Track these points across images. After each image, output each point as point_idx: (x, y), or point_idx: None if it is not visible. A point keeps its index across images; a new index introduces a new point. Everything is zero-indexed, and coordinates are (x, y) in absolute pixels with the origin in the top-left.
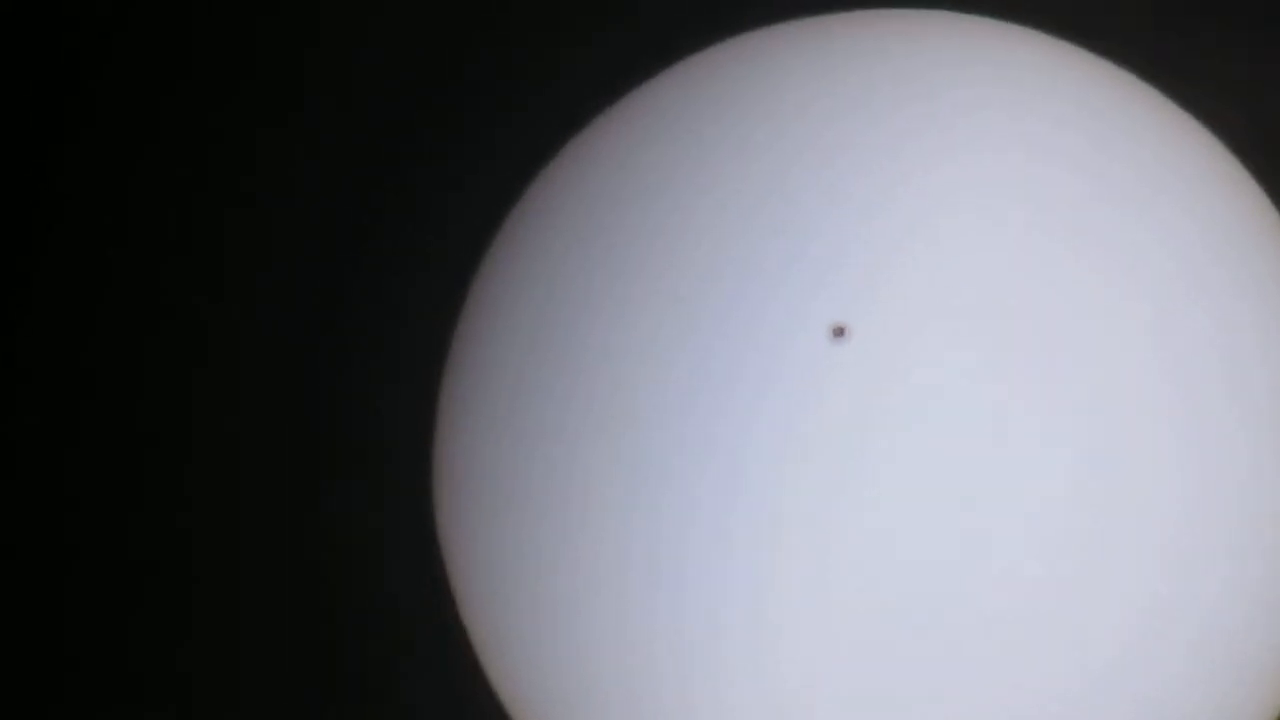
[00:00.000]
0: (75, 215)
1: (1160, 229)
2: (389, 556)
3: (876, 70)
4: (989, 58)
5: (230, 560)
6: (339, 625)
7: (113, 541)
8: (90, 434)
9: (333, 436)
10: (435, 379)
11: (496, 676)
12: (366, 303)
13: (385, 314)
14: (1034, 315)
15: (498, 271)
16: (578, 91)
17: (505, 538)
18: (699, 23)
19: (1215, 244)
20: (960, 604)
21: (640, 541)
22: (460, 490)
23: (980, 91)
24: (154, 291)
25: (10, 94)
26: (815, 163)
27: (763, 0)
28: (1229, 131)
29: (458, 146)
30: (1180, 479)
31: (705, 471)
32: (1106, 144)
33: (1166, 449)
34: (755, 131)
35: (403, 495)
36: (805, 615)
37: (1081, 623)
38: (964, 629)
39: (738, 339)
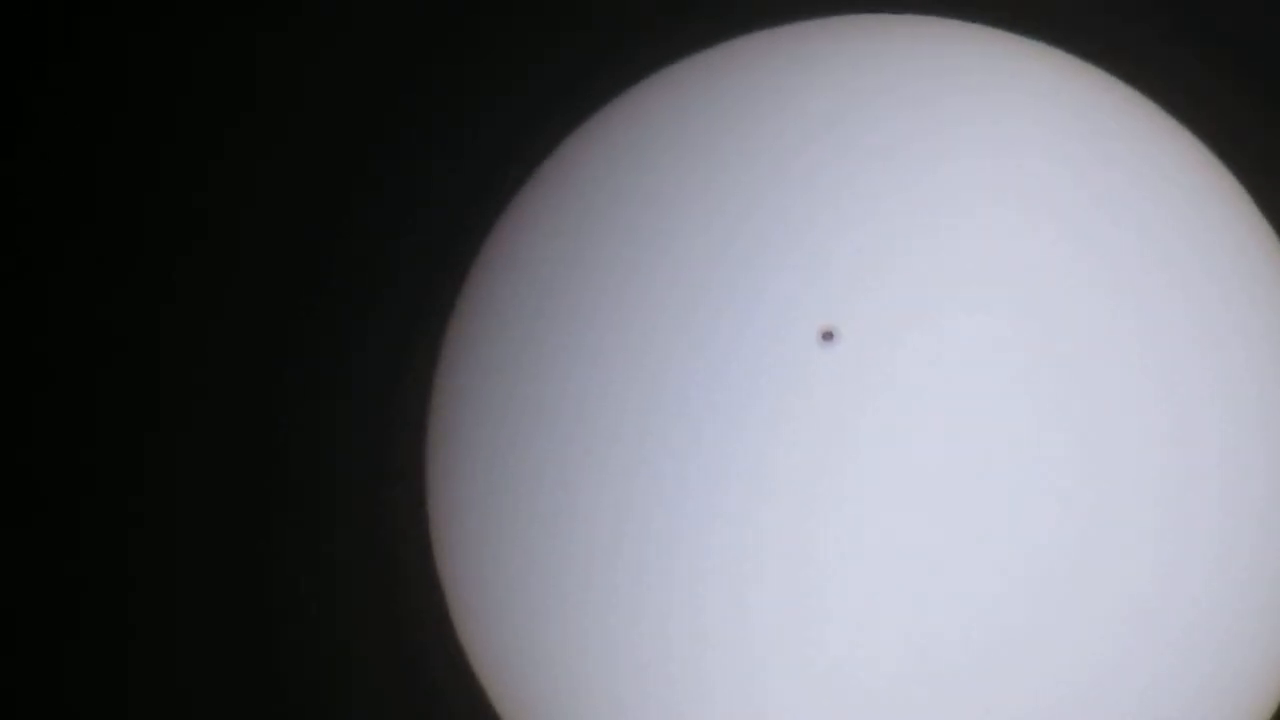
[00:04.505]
0: (99, 207)
1: (1151, 236)
2: (383, 560)
3: (869, 75)
4: (981, 64)
5: (221, 561)
6: (331, 629)
7: (108, 548)
8: (105, 425)
9: (326, 435)
10: (427, 379)
11: (489, 680)
12: (361, 303)
13: (380, 314)
14: (1025, 320)
15: (491, 271)
16: (571, 91)
17: (496, 540)
18: (694, 25)
19: (1205, 250)
20: (947, 605)
21: (628, 543)
22: (452, 491)
23: (973, 97)
24: (150, 291)
25: None
26: (808, 166)
27: (758, 4)
28: (1219, 140)
29: (455, 145)
30: (1169, 483)
31: (695, 473)
32: (1098, 152)
33: (1155, 452)
34: (748, 135)
35: (398, 493)
36: (791, 618)
37: (1072, 624)
38: (953, 630)
39: (727, 342)
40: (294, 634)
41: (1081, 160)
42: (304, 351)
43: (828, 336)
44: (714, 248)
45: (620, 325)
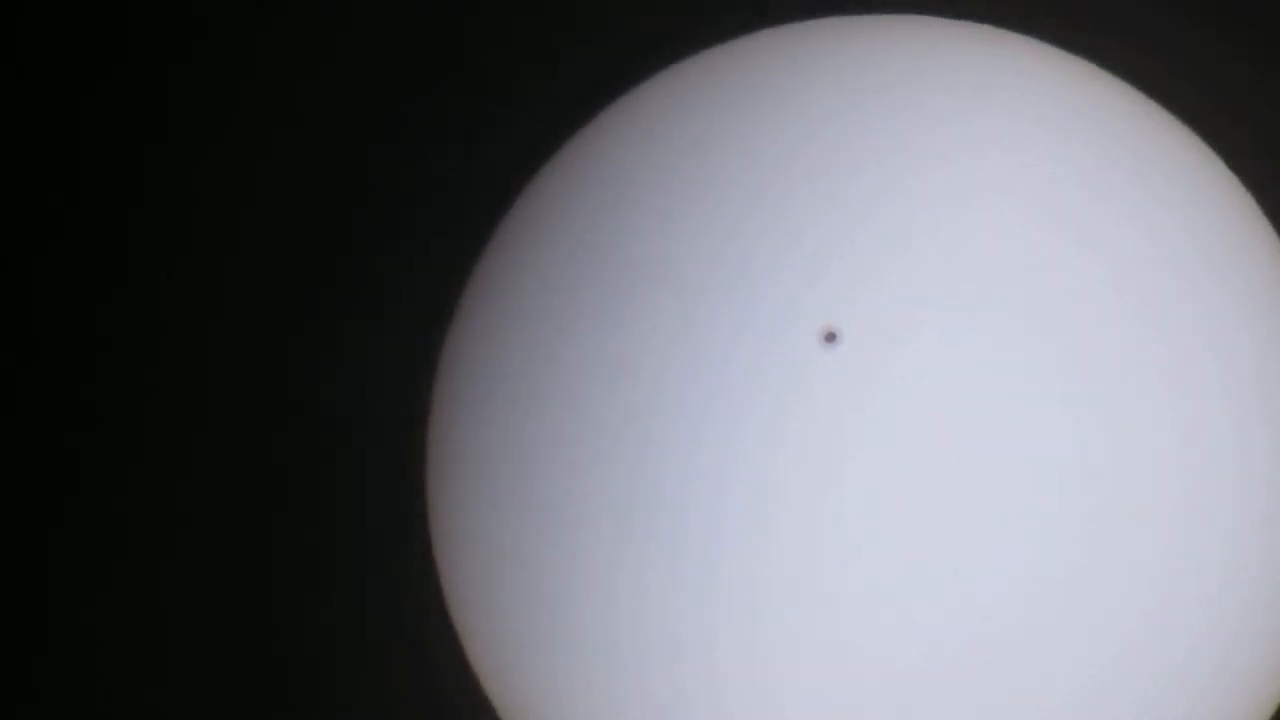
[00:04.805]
0: (73, 216)
1: (1151, 235)
2: (383, 559)
3: (870, 75)
4: (982, 64)
5: (221, 563)
6: (332, 633)
7: (105, 552)
8: (103, 430)
9: (326, 436)
10: (428, 380)
11: (489, 681)
12: (359, 304)
13: (378, 315)
14: (1026, 321)
15: (493, 273)
16: (571, 93)
17: (496, 541)
18: (695, 26)
19: (1206, 249)
20: (950, 605)
21: (631, 544)
22: (453, 492)
23: (973, 97)
24: (146, 292)
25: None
26: (809, 166)
27: (759, 4)
28: (1220, 137)
29: (456, 145)
30: (1172, 483)
31: (696, 475)
32: (1099, 150)
33: (1158, 452)
34: (749, 135)
35: (399, 495)
36: (796, 618)
37: (1073, 623)
38: (954, 631)
39: (729, 343)
40: (294, 636)
41: (1084, 159)
42: (304, 355)
43: (830, 338)
44: (715, 249)
45: (621, 327)
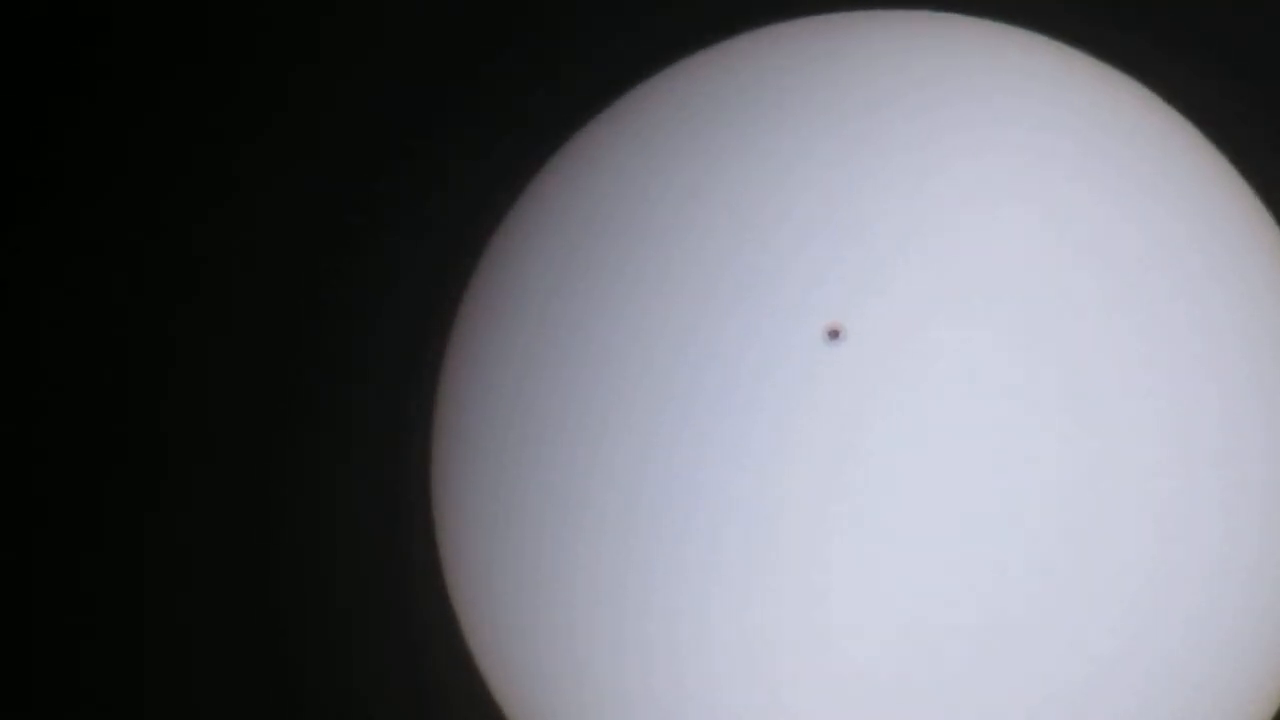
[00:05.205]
0: (74, 205)
1: (1159, 236)
2: (389, 565)
3: (873, 72)
4: (985, 60)
5: (226, 566)
6: (337, 634)
7: (113, 551)
8: (108, 432)
9: (329, 436)
10: (432, 379)
11: (496, 683)
12: (361, 304)
13: (384, 318)
14: (1028, 318)
15: (495, 272)
16: (575, 92)
17: (501, 538)
18: (697, 23)
19: (1207, 246)
20: (950, 604)
21: (635, 542)
22: (457, 491)
23: (976, 93)
24: (147, 291)
25: (7, 87)
26: (812, 164)
27: (762, 1)
28: (1221, 131)
29: (457, 145)
30: (1172, 482)
31: (700, 472)
32: (1102, 147)
33: (1160, 451)
34: (752, 133)
35: (400, 494)
36: (798, 615)
37: (1074, 623)
38: (954, 629)
39: (733, 340)
40: (300, 638)
41: (1089, 157)
42: (305, 355)
43: (833, 335)
44: (719, 247)
45: (624, 325)
